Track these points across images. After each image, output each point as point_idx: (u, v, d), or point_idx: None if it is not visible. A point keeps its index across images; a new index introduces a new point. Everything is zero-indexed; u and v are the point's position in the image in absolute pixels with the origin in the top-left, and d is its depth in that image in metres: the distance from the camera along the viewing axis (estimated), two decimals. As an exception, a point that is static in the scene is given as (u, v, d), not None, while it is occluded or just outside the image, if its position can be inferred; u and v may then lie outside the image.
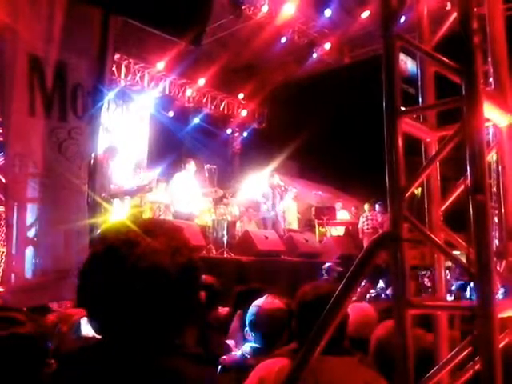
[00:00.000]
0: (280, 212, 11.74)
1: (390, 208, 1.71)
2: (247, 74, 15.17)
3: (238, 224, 11.98)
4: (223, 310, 4.37)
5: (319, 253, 10.58)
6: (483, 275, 1.51)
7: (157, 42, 11.24)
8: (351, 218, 14.20)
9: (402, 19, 1.84)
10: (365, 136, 12.63)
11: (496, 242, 1.95)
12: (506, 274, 1.90)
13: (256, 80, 15.19)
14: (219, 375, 1.29)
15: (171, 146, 13.37)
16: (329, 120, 14.68)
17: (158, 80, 13.86)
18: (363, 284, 6.78)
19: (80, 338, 2.70)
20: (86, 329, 2.81)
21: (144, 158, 13.85)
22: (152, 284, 1.16)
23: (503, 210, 1.95)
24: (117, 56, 11.91)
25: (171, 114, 14.74)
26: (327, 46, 13.60)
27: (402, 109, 1.75)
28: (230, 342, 3.56)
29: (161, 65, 13.29)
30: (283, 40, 13.18)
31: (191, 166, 10.20)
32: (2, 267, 4.78)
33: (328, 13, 12.23)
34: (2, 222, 4.49)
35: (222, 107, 15.68)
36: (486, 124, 1.75)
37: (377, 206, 13.12)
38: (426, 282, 7.69)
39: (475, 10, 1.66)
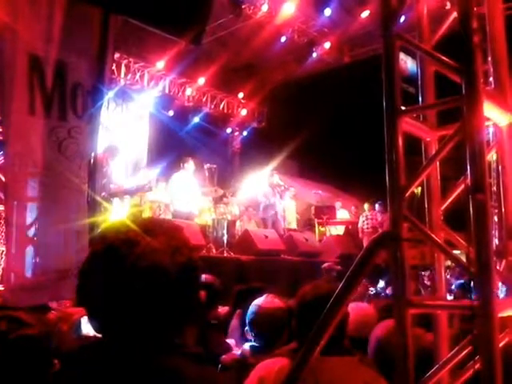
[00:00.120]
0: (280, 211, 11.74)
1: (389, 207, 1.71)
2: (247, 73, 15.17)
3: (238, 223, 11.98)
4: (223, 310, 4.37)
5: (319, 252, 10.58)
6: (483, 274, 1.51)
7: (157, 41, 11.23)
8: (351, 217, 14.20)
9: (402, 19, 1.84)
10: (364, 135, 12.63)
11: (496, 241, 1.95)
12: (505, 273, 1.90)
13: (256, 79, 15.19)
14: (219, 374, 1.29)
15: (171, 145, 13.36)
16: (329, 119, 14.69)
17: (158, 79, 13.86)
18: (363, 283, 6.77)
19: (80, 337, 2.70)
20: (87, 328, 2.81)
21: (144, 157, 13.85)
22: (152, 283, 1.16)
23: (503, 210, 1.95)
24: (117, 55, 11.90)
25: (171, 113, 14.73)
26: (327, 45, 13.60)
27: (402, 108, 1.75)
28: (231, 341, 3.56)
29: (161, 64, 13.29)
30: (283, 39, 13.17)
31: (190, 165, 10.19)
32: (1, 266, 4.78)
33: (328, 12, 12.22)
34: (2, 221, 4.49)
35: (221, 106, 15.67)
36: (486, 123, 1.75)
37: (377, 205, 13.13)
38: (425, 282, 7.70)
39: (475, 9, 1.65)
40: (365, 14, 12.14)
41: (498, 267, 1.85)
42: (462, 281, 6.72)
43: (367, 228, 13.00)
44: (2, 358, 1.56)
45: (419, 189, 1.94)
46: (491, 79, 1.94)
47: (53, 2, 3.18)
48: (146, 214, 9.78)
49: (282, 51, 13.60)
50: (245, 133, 17.07)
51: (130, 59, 13.05)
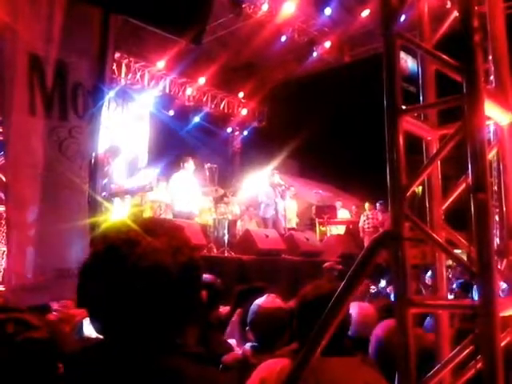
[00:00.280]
0: (281, 211, 11.74)
1: (390, 207, 1.71)
2: (247, 72, 15.17)
3: (239, 223, 11.98)
4: (224, 309, 4.37)
5: (320, 252, 10.57)
6: (485, 274, 1.51)
7: (157, 40, 11.23)
8: (352, 216, 14.19)
9: (403, 18, 1.83)
10: (365, 135, 12.64)
11: (497, 240, 1.95)
12: (507, 273, 1.90)
13: (256, 79, 15.19)
14: (221, 374, 1.28)
15: (171, 145, 13.37)
16: (329, 119, 14.69)
17: (159, 79, 13.86)
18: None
19: (82, 339, 2.70)
20: (89, 329, 2.81)
21: (144, 157, 13.85)
22: (153, 283, 1.16)
23: (504, 209, 1.95)
24: (117, 55, 11.90)
25: (171, 112, 14.74)
26: (327, 44, 13.59)
27: (403, 107, 1.74)
28: (232, 341, 3.56)
29: (161, 64, 13.29)
30: (283, 38, 13.17)
31: (190, 164, 10.19)
32: (2, 266, 4.78)
33: (328, 11, 12.22)
34: (3, 222, 4.49)
35: (222, 106, 15.67)
36: (487, 122, 1.75)
37: (377, 204, 13.13)
38: (426, 281, 7.69)
39: (476, 8, 1.65)
40: (365, 13, 12.13)
41: (499, 266, 1.85)
42: (462, 280, 6.72)
43: (368, 227, 13.01)
44: (8, 360, 1.56)
45: (420, 188, 1.94)
46: (492, 78, 1.94)
47: (53, 1, 3.17)
48: (147, 214, 9.78)
49: (282, 50, 13.60)
50: (245, 132, 17.07)
51: (131, 59, 13.06)
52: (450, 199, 1.92)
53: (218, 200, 10.80)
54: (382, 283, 7.55)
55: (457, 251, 1.79)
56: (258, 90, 15.51)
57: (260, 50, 13.53)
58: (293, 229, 11.84)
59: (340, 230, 13.73)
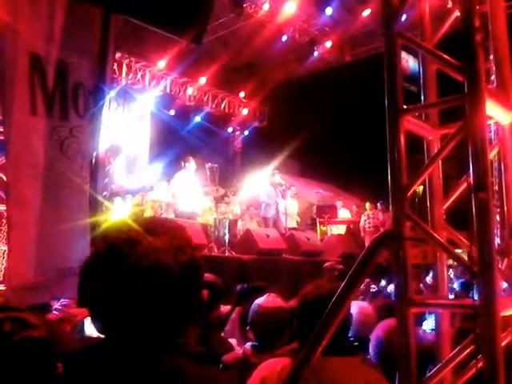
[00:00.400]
0: (281, 210, 11.74)
1: (392, 206, 1.71)
2: (248, 72, 15.17)
3: (240, 222, 11.98)
4: (225, 309, 4.38)
5: (321, 251, 10.57)
6: (486, 273, 1.51)
7: (158, 40, 11.24)
8: (352, 216, 14.20)
9: (404, 17, 1.83)
10: (366, 134, 12.64)
11: (497, 240, 1.95)
12: (507, 272, 1.90)
13: (257, 78, 15.20)
14: (222, 374, 1.29)
15: (172, 145, 13.37)
16: (330, 118, 14.70)
17: (159, 79, 13.87)
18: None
19: (83, 338, 2.70)
20: (90, 329, 2.81)
21: (145, 157, 13.86)
22: (154, 283, 1.16)
23: (505, 208, 1.95)
24: (118, 55, 11.91)
25: (172, 112, 14.74)
26: (328, 44, 13.59)
27: (404, 107, 1.74)
28: (232, 341, 3.56)
29: (162, 63, 13.30)
30: (284, 38, 13.17)
31: (191, 164, 10.19)
32: (3, 265, 4.79)
33: (329, 11, 12.23)
34: (4, 221, 4.50)
35: (222, 106, 15.68)
36: (488, 122, 1.75)
37: (378, 204, 13.13)
38: (428, 282, 7.68)
39: (477, 7, 1.65)
40: (366, 12, 12.13)
41: (499, 266, 1.85)
42: (462, 280, 6.72)
43: (369, 227, 13.01)
44: (5, 359, 1.56)
45: (421, 187, 1.94)
46: (493, 78, 1.94)
47: (54, 1, 3.17)
48: (148, 214, 9.79)
49: (283, 50, 13.60)
50: (246, 132, 17.08)
51: (132, 59, 13.07)
52: (451, 199, 1.92)
53: (219, 200, 10.80)
54: (383, 283, 7.54)
55: (458, 251, 1.79)
56: (259, 89, 15.51)
57: (261, 50, 13.53)
58: (294, 228, 11.83)
59: (341, 229, 13.73)
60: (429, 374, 1.63)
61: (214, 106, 15.41)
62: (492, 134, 1.97)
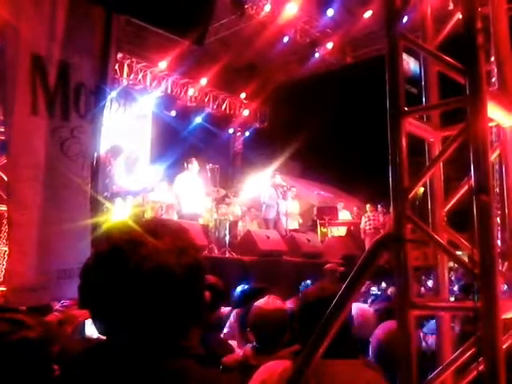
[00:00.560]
0: (282, 212, 11.74)
1: (393, 208, 1.71)
2: (249, 73, 15.18)
3: (240, 224, 11.98)
4: (225, 311, 4.37)
5: (321, 253, 10.57)
6: (487, 276, 1.51)
7: (159, 41, 11.26)
8: (353, 218, 14.19)
9: (405, 19, 1.83)
10: (367, 136, 12.64)
11: (498, 242, 1.94)
12: (508, 275, 1.89)
13: (258, 79, 15.20)
14: (224, 376, 1.28)
15: (173, 146, 13.37)
16: (331, 120, 14.70)
17: (161, 79, 13.88)
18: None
19: (84, 340, 2.69)
20: (90, 330, 2.81)
21: (146, 158, 13.86)
22: (157, 284, 1.15)
23: (506, 211, 1.94)
24: (119, 55, 11.91)
25: (173, 113, 14.74)
26: (329, 45, 13.59)
27: (406, 109, 1.74)
28: (232, 343, 3.56)
29: (163, 64, 13.30)
30: (285, 39, 13.18)
31: (194, 165, 10.20)
32: (4, 266, 4.78)
33: (330, 12, 12.22)
34: (4, 221, 4.49)
35: (223, 107, 15.69)
36: (490, 124, 1.74)
37: (379, 206, 13.13)
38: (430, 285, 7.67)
39: (479, 9, 1.65)
40: (367, 14, 12.14)
41: (500, 268, 1.84)
42: (463, 282, 6.72)
43: (369, 229, 13.00)
44: (0, 360, 1.55)
45: (422, 189, 1.93)
46: (494, 80, 1.94)
47: (56, 1, 3.18)
48: (148, 214, 9.78)
49: (284, 51, 13.61)
50: (247, 133, 17.09)
51: (133, 59, 13.08)
52: (452, 201, 1.92)
53: (220, 201, 10.80)
54: (383, 285, 7.54)
55: (458, 253, 1.79)
56: (260, 90, 15.52)
57: (262, 51, 13.54)
58: (294, 230, 11.83)
59: (341, 231, 13.73)
60: (429, 377, 1.63)
61: (214, 106, 15.42)
62: (493, 136, 1.97)
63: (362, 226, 13.37)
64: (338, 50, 14.15)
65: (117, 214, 8.18)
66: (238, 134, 17.20)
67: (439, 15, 2.14)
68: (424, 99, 1.99)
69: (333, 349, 1.72)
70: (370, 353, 2.76)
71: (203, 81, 14.34)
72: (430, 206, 1.92)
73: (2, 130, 3.20)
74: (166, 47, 11.73)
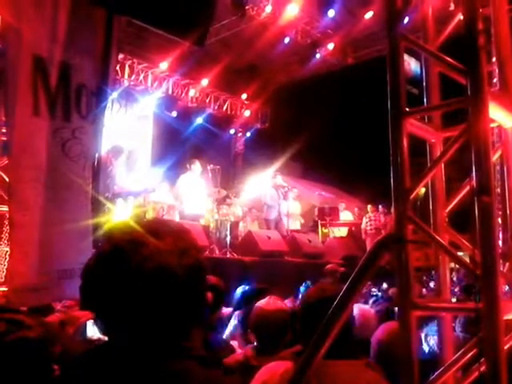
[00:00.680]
0: (283, 212, 11.74)
1: (394, 209, 1.71)
2: (250, 74, 15.19)
3: (241, 224, 11.98)
4: (226, 311, 4.37)
5: (322, 253, 10.57)
6: (488, 277, 1.51)
7: (160, 42, 11.26)
8: (354, 218, 14.19)
9: (406, 19, 1.83)
10: (368, 137, 12.64)
11: (500, 243, 1.94)
12: (510, 276, 1.89)
13: (259, 80, 15.20)
14: (226, 377, 1.28)
15: (174, 146, 13.39)
16: (332, 120, 14.70)
17: (162, 80, 13.88)
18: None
19: (86, 340, 2.69)
20: (91, 331, 2.81)
21: (147, 158, 13.86)
22: (159, 285, 1.15)
23: (508, 211, 1.94)
24: (120, 56, 11.92)
25: (174, 114, 14.75)
26: (330, 46, 13.59)
27: (407, 109, 1.74)
28: (234, 343, 3.56)
29: (164, 65, 13.31)
30: (286, 40, 13.17)
31: (196, 166, 10.21)
32: (5, 266, 4.79)
33: (331, 13, 12.22)
34: (6, 222, 4.50)
35: (225, 107, 15.69)
36: (491, 125, 1.74)
37: (380, 206, 13.13)
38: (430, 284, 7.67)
39: (480, 10, 1.65)
40: (368, 15, 12.13)
41: (502, 269, 1.84)
42: (464, 283, 6.71)
43: (370, 229, 13.00)
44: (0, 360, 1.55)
45: (423, 190, 1.93)
46: (495, 80, 1.94)
47: (57, 3, 3.18)
48: (150, 215, 9.79)
49: (285, 52, 13.60)
50: (248, 134, 17.09)
51: (134, 60, 13.08)
52: (454, 202, 1.92)
53: (221, 201, 10.81)
54: (384, 286, 7.53)
55: (460, 254, 1.79)
56: (261, 91, 15.52)
57: (263, 52, 13.54)
58: (295, 230, 11.83)
59: (342, 231, 13.73)
60: (431, 378, 1.63)
61: (216, 107, 15.42)
62: (494, 136, 1.97)
63: (363, 226, 13.37)
64: (338, 51, 14.15)
65: (118, 215, 8.18)
66: (239, 134, 17.20)
67: (440, 16, 2.14)
68: (425, 100, 1.99)
69: (334, 349, 1.72)
70: (371, 353, 2.76)
71: (204, 81, 14.34)
72: (431, 207, 1.92)
73: (4, 130, 3.20)
74: (166, 48, 11.73)
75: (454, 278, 8.27)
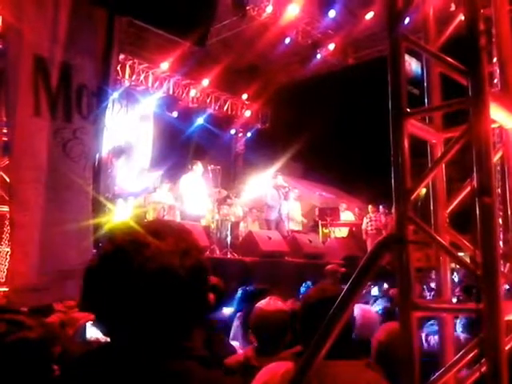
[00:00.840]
0: (284, 212, 11.74)
1: (395, 209, 1.71)
2: (251, 74, 15.18)
3: (242, 224, 11.98)
4: (227, 311, 4.38)
5: (323, 254, 10.57)
6: (489, 277, 1.51)
7: (161, 42, 11.26)
8: (355, 219, 14.19)
9: (407, 20, 1.83)
10: (369, 137, 12.64)
11: (500, 243, 1.94)
12: (510, 276, 1.89)
13: (260, 80, 15.20)
14: (227, 378, 1.28)
15: (175, 147, 13.39)
16: (333, 121, 14.69)
17: (162, 80, 13.89)
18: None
19: (85, 342, 2.70)
20: (91, 332, 2.81)
21: (148, 159, 13.87)
22: (161, 285, 1.15)
23: (509, 212, 1.94)
24: (121, 56, 11.92)
25: (175, 114, 14.75)
26: (331, 46, 13.59)
27: (408, 110, 1.74)
28: (235, 344, 3.56)
29: (165, 65, 13.31)
30: (287, 41, 13.17)
31: (198, 167, 10.24)
32: (6, 267, 4.79)
33: (332, 14, 12.21)
34: (7, 222, 4.50)
35: (225, 108, 15.69)
36: (492, 125, 1.74)
37: (380, 206, 13.12)
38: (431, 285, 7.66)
39: (481, 11, 1.65)
40: (369, 15, 12.12)
41: (502, 269, 1.84)
42: (464, 283, 6.71)
43: (371, 229, 12.99)
44: (0, 360, 1.55)
45: (424, 190, 1.93)
46: (496, 81, 1.94)
47: (58, 3, 3.18)
48: (150, 215, 9.80)
49: (286, 53, 13.60)
50: (249, 134, 17.09)
51: (135, 60, 13.09)
52: (455, 202, 1.92)
53: (221, 201, 10.81)
54: (385, 286, 7.53)
55: (461, 254, 1.79)
56: (262, 91, 15.51)
57: (264, 52, 13.54)
58: (296, 231, 11.84)
59: (343, 232, 13.73)
60: (432, 378, 1.63)
61: (216, 107, 15.42)
62: (495, 137, 1.97)
63: (363, 226, 13.36)
64: (339, 51, 14.14)
65: (118, 215, 8.19)
66: (240, 134, 17.20)
67: (441, 16, 2.14)
68: (426, 100, 1.98)
69: (334, 350, 1.72)
70: (371, 353, 2.76)
71: (205, 82, 14.34)
72: (432, 208, 1.92)
73: (5, 131, 3.20)
74: (167, 48, 11.74)
75: (456, 279, 8.27)
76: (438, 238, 1.72)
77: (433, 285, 7.71)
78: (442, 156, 1.78)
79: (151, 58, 13.23)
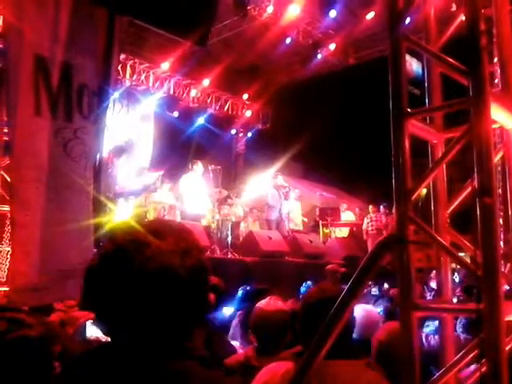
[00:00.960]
0: (284, 213, 11.74)
1: (395, 210, 1.71)
2: (252, 74, 15.18)
3: (242, 224, 11.98)
4: (227, 311, 4.38)
5: (323, 254, 10.57)
6: (490, 278, 1.51)
7: (161, 42, 11.26)
8: (356, 219, 14.19)
9: (408, 20, 1.83)
10: (370, 137, 12.65)
11: (501, 243, 1.94)
12: (511, 277, 1.89)
13: (260, 81, 15.20)
14: (227, 378, 1.27)
15: (175, 147, 13.40)
16: (333, 121, 14.70)
17: (163, 80, 13.89)
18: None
19: (85, 341, 2.70)
20: (91, 331, 2.81)
21: (148, 158, 13.87)
22: (162, 285, 1.15)
23: (509, 212, 1.94)
24: (122, 56, 11.93)
25: (176, 114, 14.76)
26: (332, 46, 13.58)
27: (409, 110, 1.74)
28: (235, 344, 3.56)
29: (165, 65, 13.31)
30: (288, 41, 13.17)
31: (198, 167, 10.24)
32: (7, 266, 4.79)
33: (333, 14, 12.21)
34: (8, 222, 4.50)
35: (226, 108, 15.69)
36: (493, 126, 1.74)
37: (381, 207, 13.12)
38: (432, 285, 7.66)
39: (482, 11, 1.65)
40: (370, 15, 12.12)
41: (503, 270, 1.84)
42: (464, 283, 6.70)
43: (372, 230, 12.99)
44: (1, 358, 1.56)
45: (424, 191, 1.93)
46: (497, 81, 1.94)
47: (59, 3, 3.19)
48: (151, 215, 9.80)
49: (286, 53, 13.60)
50: (249, 134, 17.09)
51: (136, 60, 13.09)
52: (456, 203, 1.92)
53: (222, 201, 10.81)
54: (386, 286, 7.53)
55: (461, 254, 1.79)
56: (263, 91, 15.51)
57: (265, 52, 13.54)
58: (296, 231, 11.84)
59: (344, 232, 13.72)
60: (432, 378, 1.63)
61: (217, 107, 15.43)
62: (496, 137, 1.97)
63: (364, 227, 13.36)
64: (340, 52, 14.14)
65: (119, 215, 8.19)
66: (241, 134, 17.20)
67: (442, 16, 2.14)
68: (427, 101, 1.98)
69: (335, 349, 1.72)
70: (371, 353, 2.76)
71: (206, 82, 14.35)
72: (432, 208, 1.92)
73: (6, 130, 3.21)
74: (168, 48, 11.74)
75: (457, 279, 8.26)
76: (439, 238, 1.72)
77: (433, 285, 7.71)
78: (443, 156, 1.78)
79: (152, 57, 13.24)
